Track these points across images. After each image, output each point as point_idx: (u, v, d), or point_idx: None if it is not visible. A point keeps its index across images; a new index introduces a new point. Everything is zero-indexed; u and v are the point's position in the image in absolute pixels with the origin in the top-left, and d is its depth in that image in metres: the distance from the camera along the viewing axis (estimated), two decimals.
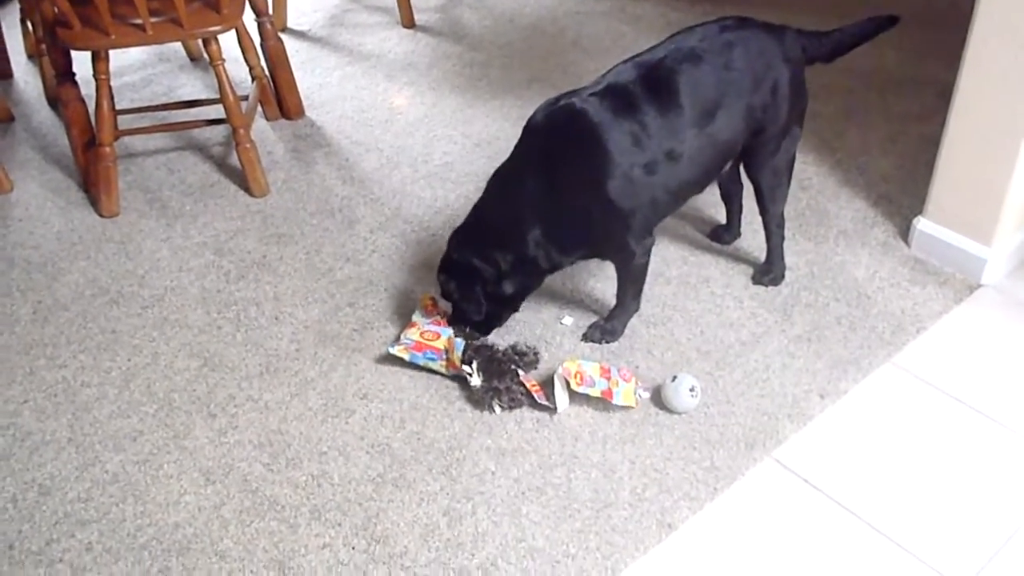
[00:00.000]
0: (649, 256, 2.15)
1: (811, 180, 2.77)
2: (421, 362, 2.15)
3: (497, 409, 2.06)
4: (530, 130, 2.10)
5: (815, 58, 2.19)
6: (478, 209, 2.18)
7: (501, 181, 2.14)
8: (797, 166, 2.80)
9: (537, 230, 2.07)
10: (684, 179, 2.08)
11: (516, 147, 2.13)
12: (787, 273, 2.40)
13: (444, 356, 2.14)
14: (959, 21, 2.29)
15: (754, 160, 2.19)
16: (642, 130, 1.99)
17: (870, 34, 2.21)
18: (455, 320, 2.21)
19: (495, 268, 2.12)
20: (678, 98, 2.00)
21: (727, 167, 2.20)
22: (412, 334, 2.19)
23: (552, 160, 2.04)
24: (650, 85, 2.01)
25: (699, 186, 2.16)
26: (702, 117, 2.03)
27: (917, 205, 2.52)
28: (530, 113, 2.10)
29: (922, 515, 1.84)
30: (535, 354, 2.15)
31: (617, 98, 2.00)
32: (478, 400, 2.08)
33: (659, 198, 2.07)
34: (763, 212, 2.29)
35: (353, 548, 1.82)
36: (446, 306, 2.26)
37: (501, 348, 2.12)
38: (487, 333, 2.22)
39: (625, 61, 2.09)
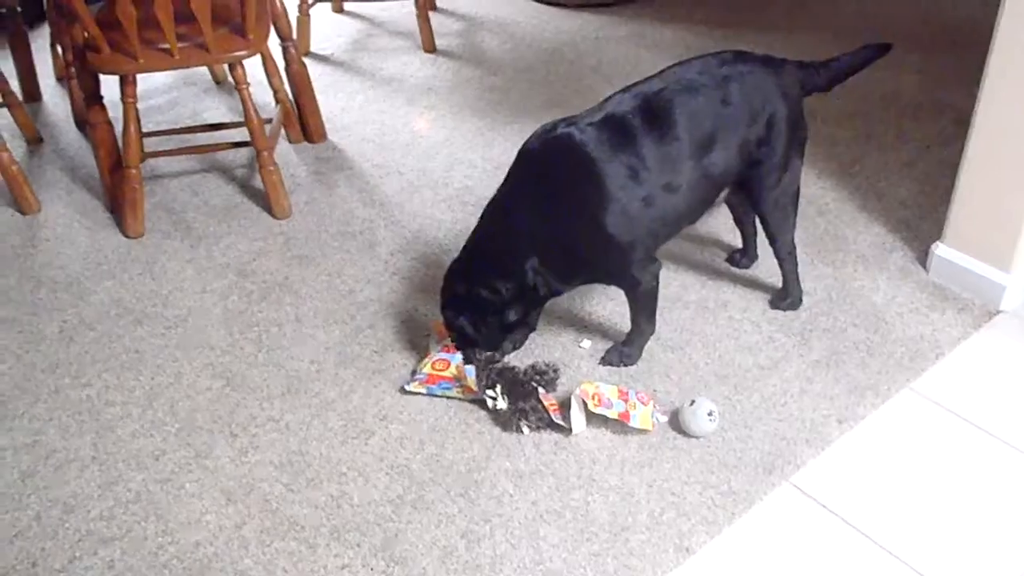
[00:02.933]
0: (657, 281, 2.16)
1: (829, 205, 2.78)
2: (439, 393, 2.18)
3: (525, 430, 2.08)
4: (526, 158, 2.09)
5: (814, 89, 2.21)
6: (475, 240, 2.18)
7: (497, 211, 2.13)
8: (815, 191, 2.82)
9: (535, 259, 2.08)
10: (680, 211, 2.10)
11: (511, 174, 2.12)
12: (805, 298, 2.41)
13: (457, 384, 2.15)
14: (977, 46, 2.30)
15: (755, 194, 2.20)
16: (640, 163, 2.00)
17: (867, 62, 2.23)
18: (462, 345, 2.19)
19: (498, 297, 2.12)
20: (676, 130, 2.02)
21: (721, 196, 2.21)
22: (425, 367, 2.21)
23: (549, 192, 2.05)
24: (648, 116, 2.02)
25: (695, 216, 2.18)
26: (699, 150, 2.04)
27: (936, 231, 2.52)
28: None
29: (940, 542, 1.84)
30: (555, 371, 2.14)
31: (615, 130, 2.01)
32: (506, 422, 2.09)
33: (657, 229, 2.08)
34: (771, 242, 2.30)
35: (372, 569, 1.84)
36: None
37: (522, 369, 2.13)
38: (495, 350, 2.21)
39: (623, 90, 2.10)
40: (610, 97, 2.10)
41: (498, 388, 2.09)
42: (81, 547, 1.91)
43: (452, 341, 2.21)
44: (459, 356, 2.19)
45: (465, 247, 2.20)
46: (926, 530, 1.86)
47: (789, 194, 2.23)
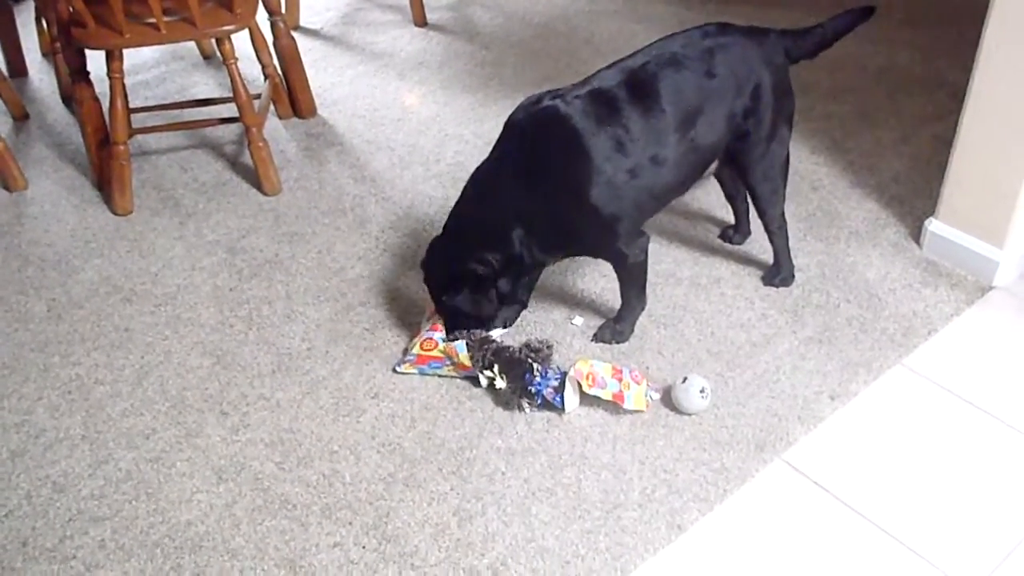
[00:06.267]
0: (646, 255, 2.15)
1: (822, 181, 2.77)
2: (429, 372, 2.17)
3: (527, 408, 2.07)
4: (512, 130, 2.09)
5: (800, 57, 2.19)
6: (458, 214, 2.16)
7: (482, 183, 2.12)
8: (808, 166, 2.81)
9: (520, 229, 2.08)
10: (667, 183, 2.09)
11: (497, 146, 2.12)
12: (798, 274, 2.40)
13: (449, 362, 2.15)
14: (972, 20, 2.28)
15: (744, 165, 2.19)
16: (626, 135, 1.99)
17: (850, 26, 2.21)
18: (452, 328, 2.17)
19: (486, 269, 2.11)
20: (660, 103, 2.01)
21: (710, 169, 2.20)
22: (414, 347, 2.20)
23: (535, 164, 2.04)
24: (633, 90, 2.01)
25: (682, 189, 2.17)
26: (684, 122, 2.03)
27: (929, 206, 2.51)
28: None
29: (932, 518, 1.84)
30: (548, 348, 2.13)
31: (601, 103, 2.00)
32: (507, 401, 2.09)
33: (643, 202, 2.08)
34: (760, 215, 2.29)
35: (364, 547, 1.83)
36: None
37: (516, 347, 2.12)
38: (489, 330, 2.20)
39: (608, 66, 2.09)
40: (596, 73, 2.10)
41: (495, 368, 2.08)
42: (72, 526, 1.91)
43: (445, 324, 2.19)
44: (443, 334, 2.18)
45: (448, 222, 2.18)
46: (917, 506, 1.86)
47: (777, 166, 2.22)
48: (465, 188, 2.16)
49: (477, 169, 2.14)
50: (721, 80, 2.06)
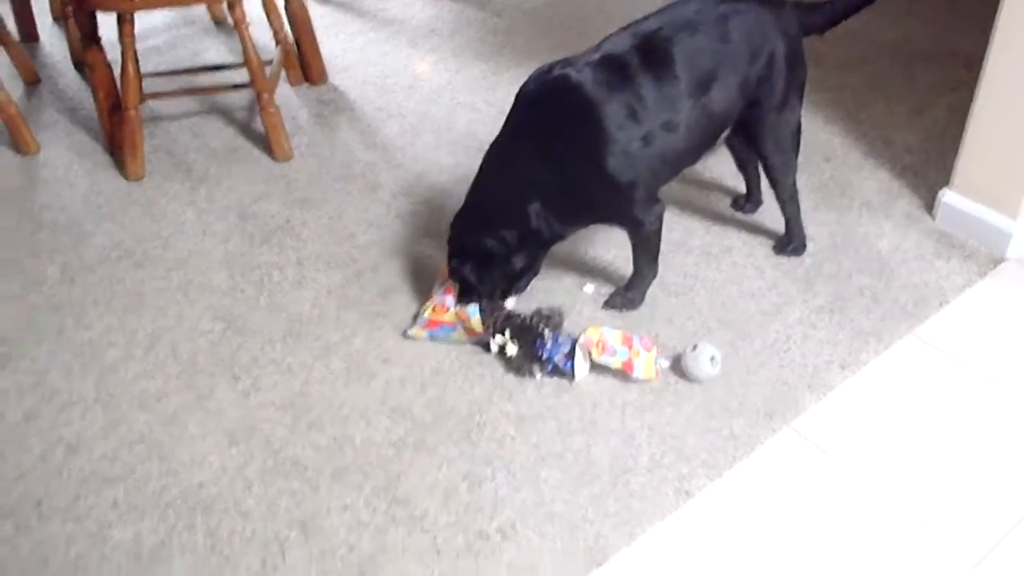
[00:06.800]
0: (661, 222, 2.14)
1: (836, 151, 2.75)
2: (440, 337, 2.17)
3: (538, 374, 2.08)
4: (524, 102, 2.07)
5: (810, 31, 2.18)
6: (476, 188, 2.16)
7: (497, 157, 2.12)
8: (822, 137, 2.80)
9: (537, 203, 2.07)
10: (680, 150, 2.07)
11: (509, 119, 2.10)
12: (810, 244, 2.39)
13: (460, 326, 2.15)
14: None
15: (756, 134, 2.18)
16: (638, 102, 1.98)
17: (858, 7, 2.20)
18: (463, 295, 2.17)
19: (504, 245, 2.12)
20: (674, 68, 1.99)
21: (722, 137, 2.19)
22: (426, 311, 2.20)
23: (548, 134, 2.03)
24: (646, 55, 1.99)
25: (694, 156, 2.16)
26: (698, 88, 2.02)
27: (943, 177, 2.50)
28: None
29: (940, 488, 1.84)
30: (560, 315, 2.13)
31: (613, 70, 1.98)
32: (517, 367, 2.09)
33: (657, 168, 2.06)
34: (773, 185, 2.28)
35: (374, 510, 1.85)
36: None
37: (527, 315, 2.12)
38: (504, 300, 2.21)
39: (621, 30, 2.07)
40: (607, 37, 2.08)
41: (507, 334, 2.08)
42: (86, 487, 1.92)
43: (459, 292, 2.19)
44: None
45: (468, 196, 2.18)
46: (925, 476, 1.87)
47: (789, 135, 2.21)
48: (481, 165, 2.15)
49: (491, 145, 2.13)
50: (735, 46, 2.04)
